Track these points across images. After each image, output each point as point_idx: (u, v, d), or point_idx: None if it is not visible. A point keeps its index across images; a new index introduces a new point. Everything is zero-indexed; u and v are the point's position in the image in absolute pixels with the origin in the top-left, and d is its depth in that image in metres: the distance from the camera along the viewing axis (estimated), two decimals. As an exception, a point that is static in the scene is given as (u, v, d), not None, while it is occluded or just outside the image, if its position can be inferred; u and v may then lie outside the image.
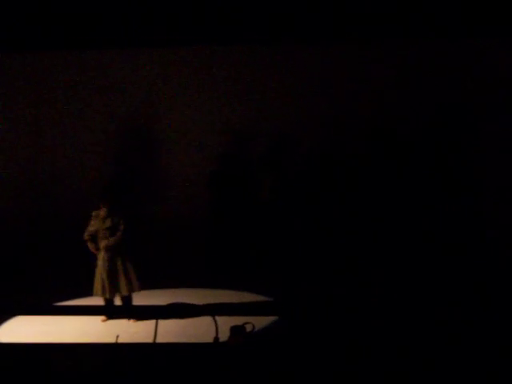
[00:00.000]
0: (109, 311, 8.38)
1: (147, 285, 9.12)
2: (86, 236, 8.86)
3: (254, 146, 11.15)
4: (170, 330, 7.78)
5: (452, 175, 10.68)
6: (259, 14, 9.68)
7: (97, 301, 8.70)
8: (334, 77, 10.87)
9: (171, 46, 10.84)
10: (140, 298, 8.75)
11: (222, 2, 9.67)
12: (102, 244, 8.77)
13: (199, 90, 11.16)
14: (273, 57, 10.96)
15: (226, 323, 5.91)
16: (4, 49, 10.47)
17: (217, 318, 5.23)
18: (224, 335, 5.74)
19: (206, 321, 5.13)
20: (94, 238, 8.85)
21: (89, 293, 8.85)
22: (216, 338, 5.33)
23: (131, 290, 8.78)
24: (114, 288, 8.72)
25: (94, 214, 8.88)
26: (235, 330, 5.75)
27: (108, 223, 8.75)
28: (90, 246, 8.85)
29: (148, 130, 11.37)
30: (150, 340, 6.37)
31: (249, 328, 5.79)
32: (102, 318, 8.54)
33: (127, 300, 8.85)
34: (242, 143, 11.18)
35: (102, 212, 8.80)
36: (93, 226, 8.83)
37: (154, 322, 5.13)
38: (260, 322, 7.30)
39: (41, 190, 11.27)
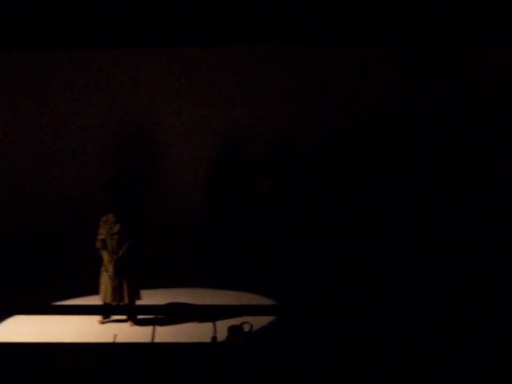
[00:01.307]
0: (107, 311, 8.31)
1: (147, 285, 9.11)
2: (97, 244, 8.41)
3: (254, 146, 11.14)
4: (168, 330, 7.80)
5: (452, 175, 10.68)
6: (259, 14, 9.66)
7: (95, 300, 8.61)
8: (333, 77, 10.86)
9: (171, 46, 10.82)
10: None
11: (222, 1, 9.65)
12: (109, 258, 8.35)
13: (199, 89, 11.16)
14: (273, 57, 10.96)
15: (223, 323, 5.92)
16: (4, 49, 10.45)
17: (215, 317, 5.24)
18: (222, 335, 5.74)
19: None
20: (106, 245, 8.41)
21: (87, 292, 8.80)
22: (214, 338, 5.34)
23: (132, 299, 8.40)
24: (119, 295, 8.35)
25: (103, 219, 8.44)
26: (233, 330, 5.75)
27: (116, 229, 8.33)
28: (104, 254, 8.38)
29: (148, 130, 11.36)
30: (148, 339, 6.39)
31: (247, 327, 5.80)
32: (99, 319, 8.38)
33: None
34: (242, 143, 11.18)
35: (111, 217, 8.39)
36: (102, 233, 8.40)
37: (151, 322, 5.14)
38: (258, 321, 7.30)
39: (41, 189, 11.25)
